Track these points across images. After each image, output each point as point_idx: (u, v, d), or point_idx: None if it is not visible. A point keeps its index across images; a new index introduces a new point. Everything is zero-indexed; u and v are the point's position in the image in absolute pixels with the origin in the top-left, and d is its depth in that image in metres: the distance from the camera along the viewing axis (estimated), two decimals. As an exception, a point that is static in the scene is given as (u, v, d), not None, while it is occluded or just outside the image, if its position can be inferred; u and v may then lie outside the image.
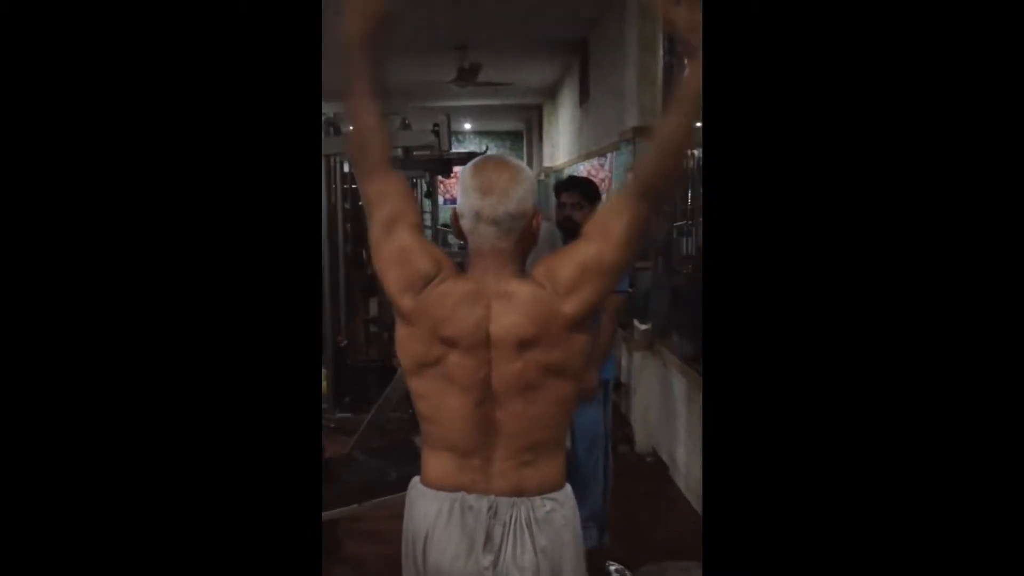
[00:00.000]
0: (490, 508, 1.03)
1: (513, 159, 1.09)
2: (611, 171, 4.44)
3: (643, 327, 3.43)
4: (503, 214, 1.02)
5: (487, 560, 1.02)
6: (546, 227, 3.37)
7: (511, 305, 1.02)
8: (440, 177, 3.25)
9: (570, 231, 2.27)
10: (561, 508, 1.07)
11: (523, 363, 1.02)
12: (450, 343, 1.02)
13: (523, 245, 1.06)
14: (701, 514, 2.64)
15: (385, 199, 1.05)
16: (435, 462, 1.07)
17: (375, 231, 1.06)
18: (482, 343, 1.02)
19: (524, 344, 1.01)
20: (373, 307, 4.00)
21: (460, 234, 1.08)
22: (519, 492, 1.04)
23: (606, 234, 1.02)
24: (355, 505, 1.85)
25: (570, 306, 1.02)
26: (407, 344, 1.05)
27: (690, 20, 0.97)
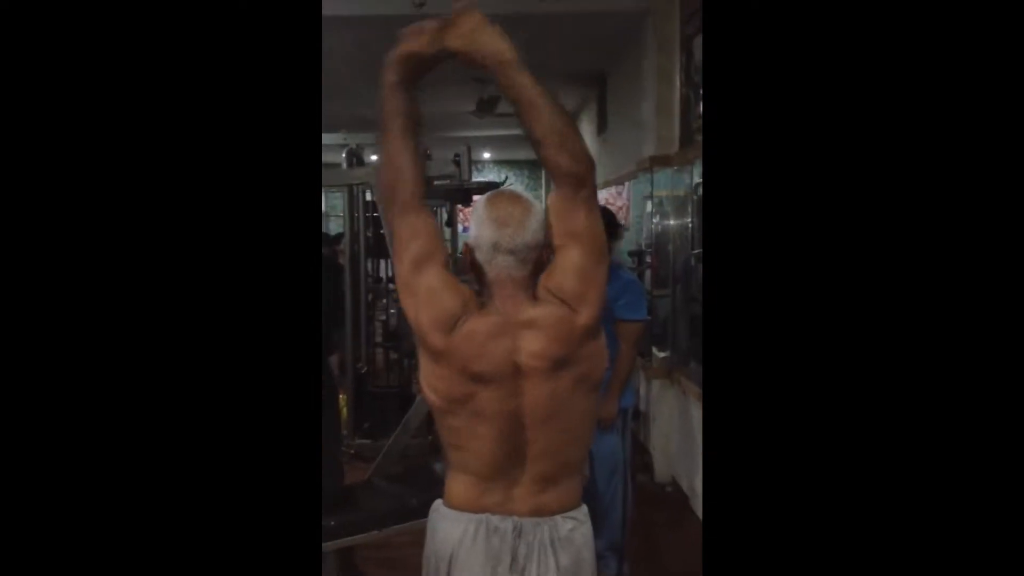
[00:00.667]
0: (515, 529, 1.05)
1: (524, 194, 1.14)
2: (628, 199, 4.48)
3: (662, 355, 3.43)
4: (520, 244, 1.05)
5: None
6: None
7: (536, 331, 1.04)
8: (460, 206, 3.30)
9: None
10: (581, 526, 1.10)
11: (554, 383, 1.05)
12: (480, 379, 1.04)
13: (536, 273, 1.09)
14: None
15: (416, 237, 1.06)
16: (460, 485, 1.09)
17: (403, 268, 1.07)
18: (511, 374, 1.04)
19: (556, 365, 1.04)
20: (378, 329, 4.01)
21: (470, 267, 1.10)
22: (541, 512, 1.07)
23: (574, 235, 1.05)
24: (375, 531, 1.86)
25: (584, 316, 1.05)
26: (435, 383, 1.06)
27: (471, 40, 1.02)
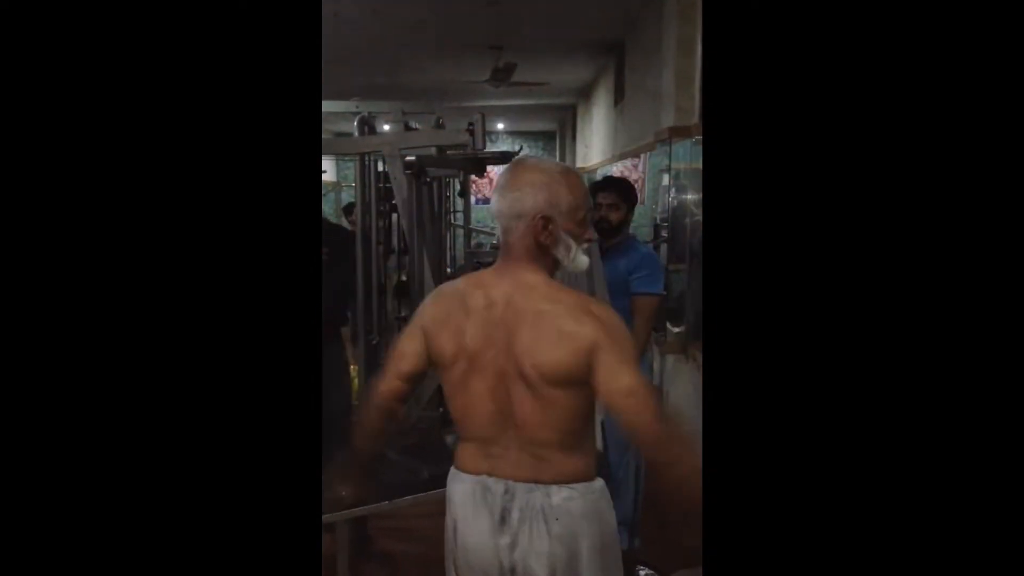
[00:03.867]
0: (507, 491, 1.13)
1: (541, 161, 1.17)
2: (644, 172, 4.39)
3: (676, 330, 3.39)
4: (501, 210, 1.12)
5: (504, 540, 1.11)
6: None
7: (525, 323, 1.11)
8: (473, 176, 3.26)
9: (606, 232, 2.25)
10: (579, 498, 1.12)
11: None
12: (464, 346, 1.15)
13: (529, 243, 1.11)
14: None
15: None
16: (464, 449, 1.21)
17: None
18: (499, 339, 1.13)
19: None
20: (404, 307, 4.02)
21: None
22: (535, 479, 1.12)
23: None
24: (385, 502, 1.85)
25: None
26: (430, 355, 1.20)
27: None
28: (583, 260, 1.13)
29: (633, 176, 4.60)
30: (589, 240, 1.14)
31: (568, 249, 1.12)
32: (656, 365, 3.60)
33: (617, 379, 1.03)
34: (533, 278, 1.13)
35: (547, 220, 1.11)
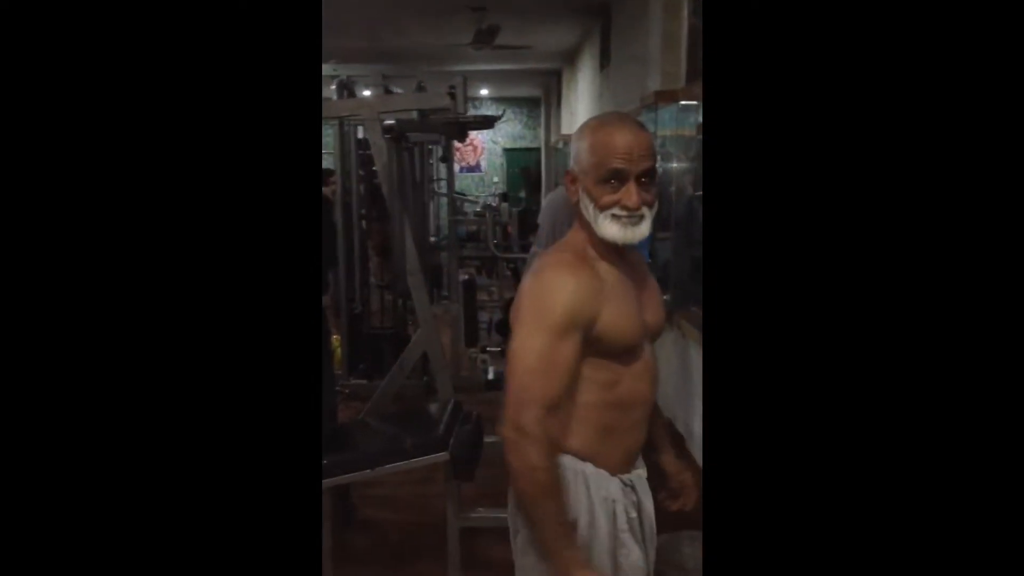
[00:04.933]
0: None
1: (601, 114, 1.13)
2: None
3: (662, 298, 3.38)
4: None
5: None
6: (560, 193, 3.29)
7: None
8: (457, 144, 3.19)
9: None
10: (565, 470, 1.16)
11: None
12: None
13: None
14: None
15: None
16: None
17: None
18: None
19: None
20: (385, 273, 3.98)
21: None
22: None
23: None
24: (368, 471, 1.84)
25: None
26: None
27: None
28: (612, 229, 1.01)
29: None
30: (607, 206, 1.01)
31: (588, 212, 1.03)
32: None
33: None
34: (568, 238, 1.10)
35: (572, 177, 1.05)
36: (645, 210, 1.01)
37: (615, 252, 1.06)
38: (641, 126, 1.05)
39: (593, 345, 1.01)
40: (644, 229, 1.02)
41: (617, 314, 1.02)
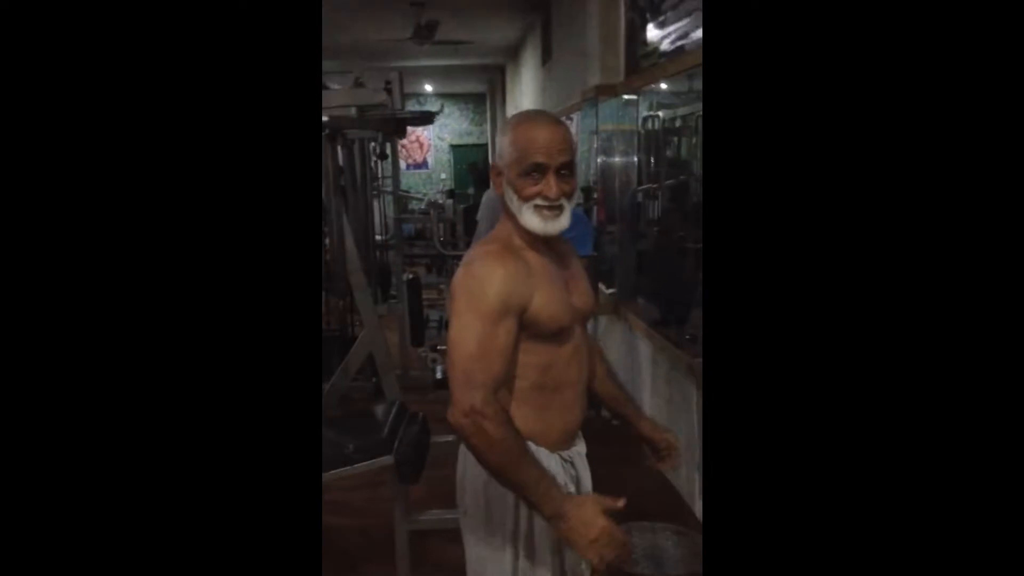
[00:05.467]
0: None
1: (524, 111, 1.20)
2: (576, 133, 4.36)
3: (609, 291, 3.41)
4: None
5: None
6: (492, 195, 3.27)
7: None
8: (403, 141, 3.14)
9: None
10: None
11: None
12: None
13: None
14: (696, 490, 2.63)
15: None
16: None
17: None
18: None
19: None
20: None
21: None
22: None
23: None
24: (313, 479, 1.80)
25: None
26: None
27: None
28: (533, 221, 1.06)
29: (564, 138, 4.54)
30: (529, 198, 1.06)
31: (512, 203, 1.08)
32: (590, 326, 3.62)
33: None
34: (496, 230, 1.13)
35: (497, 171, 1.11)
36: (564, 201, 1.08)
37: (540, 241, 1.11)
38: (559, 121, 1.12)
39: (527, 329, 1.07)
40: (564, 221, 1.09)
41: (547, 298, 1.07)
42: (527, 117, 1.11)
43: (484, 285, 1.03)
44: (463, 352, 1.01)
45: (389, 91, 2.14)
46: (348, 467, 1.80)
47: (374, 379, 3.46)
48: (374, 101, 2.17)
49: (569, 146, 1.08)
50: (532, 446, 1.09)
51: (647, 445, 1.32)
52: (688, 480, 2.51)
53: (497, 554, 1.11)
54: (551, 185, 1.06)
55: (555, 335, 1.09)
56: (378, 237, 4.38)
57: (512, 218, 1.10)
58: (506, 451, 1.00)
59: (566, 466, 1.16)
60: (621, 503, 1.04)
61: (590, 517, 0.99)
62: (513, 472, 1.00)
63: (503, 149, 1.09)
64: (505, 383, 1.06)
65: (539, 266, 1.09)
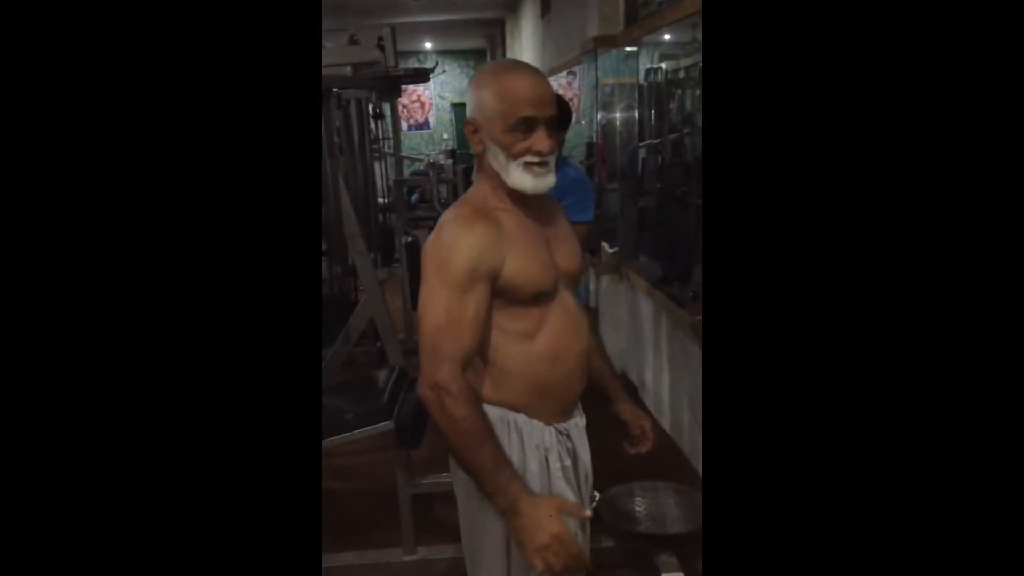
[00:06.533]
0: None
1: (494, 62, 1.16)
2: (580, 89, 4.23)
3: (611, 250, 3.37)
4: None
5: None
6: None
7: None
8: (403, 101, 3.06)
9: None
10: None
11: None
12: None
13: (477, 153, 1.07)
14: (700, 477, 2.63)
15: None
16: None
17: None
18: None
19: None
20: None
21: None
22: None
23: None
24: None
25: None
26: None
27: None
28: (524, 180, 1.01)
29: (568, 93, 4.41)
30: (519, 154, 1.00)
31: (497, 160, 1.02)
32: (592, 285, 3.59)
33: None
34: (469, 192, 1.08)
35: (474, 127, 1.03)
36: (550, 157, 1.02)
37: (521, 200, 1.05)
38: (539, 72, 1.05)
39: (504, 294, 1.02)
40: (551, 178, 1.03)
41: (524, 260, 1.02)
42: (507, 67, 1.04)
43: (451, 252, 0.98)
44: (431, 323, 0.97)
45: (382, 48, 2.05)
46: (346, 434, 1.80)
47: (378, 343, 3.46)
48: (367, 59, 2.09)
49: (554, 98, 1.03)
50: (523, 419, 1.06)
51: (624, 427, 1.27)
52: (691, 439, 2.51)
53: (490, 520, 1.08)
54: (543, 138, 0.99)
55: (536, 298, 1.04)
56: (380, 200, 4.32)
57: (491, 178, 1.04)
58: (464, 431, 0.95)
59: (561, 439, 1.11)
60: (587, 513, 1.00)
61: (544, 521, 0.90)
62: (471, 454, 0.95)
63: (483, 102, 1.01)
64: (476, 353, 1.01)
65: (515, 227, 1.03)
